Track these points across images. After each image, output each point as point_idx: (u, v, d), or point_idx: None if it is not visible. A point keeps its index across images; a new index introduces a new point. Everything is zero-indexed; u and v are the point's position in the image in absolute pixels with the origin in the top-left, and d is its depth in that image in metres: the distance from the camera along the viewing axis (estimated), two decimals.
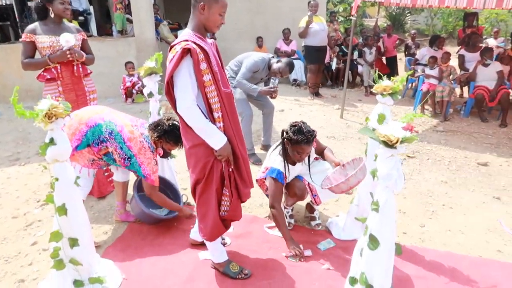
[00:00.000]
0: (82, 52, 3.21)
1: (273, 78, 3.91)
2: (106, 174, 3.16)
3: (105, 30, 8.53)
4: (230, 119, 2.20)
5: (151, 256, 2.64)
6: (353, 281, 1.95)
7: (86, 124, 2.57)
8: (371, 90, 2.50)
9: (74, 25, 3.35)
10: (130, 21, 7.17)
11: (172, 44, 2.10)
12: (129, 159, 2.62)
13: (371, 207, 1.69)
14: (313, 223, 3.01)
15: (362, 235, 1.82)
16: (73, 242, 2.08)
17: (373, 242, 1.68)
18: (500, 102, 5.87)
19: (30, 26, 3.09)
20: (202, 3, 2.04)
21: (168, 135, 2.69)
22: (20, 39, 3.15)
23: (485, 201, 3.50)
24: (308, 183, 2.83)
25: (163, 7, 11.00)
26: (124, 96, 6.71)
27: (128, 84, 6.65)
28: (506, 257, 2.69)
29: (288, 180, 2.82)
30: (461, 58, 6.92)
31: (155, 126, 2.72)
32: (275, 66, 3.88)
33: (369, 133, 1.62)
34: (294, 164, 2.78)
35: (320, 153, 2.96)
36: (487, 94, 5.93)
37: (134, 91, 6.65)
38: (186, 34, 2.10)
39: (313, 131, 2.65)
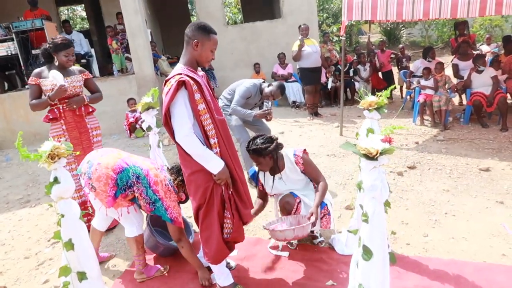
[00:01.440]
0: (82, 97, 3.36)
1: (266, 101, 4.06)
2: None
3: (107, 70, 8.84)
4: (225, 144, 2.32)
5: (159, 285, 2.70)
6: None
7: (113, 170, 2.47)
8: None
9: (77, 67, 3.50)
10: (130, 60, 7.44)
11: (166, 79, 2.25)
12: (153, 204, 2.51)
13: (361, 219, 1.75)
14: (315, 241, 3.04)
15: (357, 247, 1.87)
16: (82, 276, 2.15)
17: (367, 252, 1.73)
18: (498, 106, 5.90)
19: (36, 70, 3.30)
20: (195, 40, 2.20)
21: None
22: (27, 82, 3.31)
23: (488, 206, 3.50)
24: (299, 202, 2.84)
25: (162, 42, 11.36)
26: (128, 131, 6.88)
27: (132, 119, 6.83)
28: (511, 261, 2.68)
29: (270, 192, 2.95)
30: (455, 67, 7.02)
31: (179, 170, 2.66)
32: (267, 90, 4.04)
33: (350, 147, 1.70)
34: (272, 173, 2.89)
35: (316, 183, 2.89)
36: (484, 100, 5.98)
37: (137, 126, 6.81)
38: (179, 69, 2.25)
39: (263, 146, 2.71)
